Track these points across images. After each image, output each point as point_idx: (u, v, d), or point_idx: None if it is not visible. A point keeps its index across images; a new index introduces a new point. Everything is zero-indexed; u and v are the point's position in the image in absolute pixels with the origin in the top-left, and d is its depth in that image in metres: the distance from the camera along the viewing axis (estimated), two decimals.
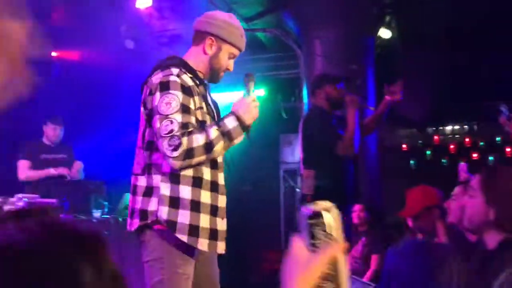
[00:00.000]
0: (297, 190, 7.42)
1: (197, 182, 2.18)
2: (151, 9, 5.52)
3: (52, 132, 5.12)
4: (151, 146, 2.21)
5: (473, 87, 7.18)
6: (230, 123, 2.17)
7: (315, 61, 5.27)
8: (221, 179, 2.31)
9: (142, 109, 2.27)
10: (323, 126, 3.74)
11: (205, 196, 2.20)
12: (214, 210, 2.22)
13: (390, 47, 6.10)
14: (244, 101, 2.25)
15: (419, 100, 7.18)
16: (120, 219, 4.41)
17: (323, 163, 3.66)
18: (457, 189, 2.64)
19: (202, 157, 2.12)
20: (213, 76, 2.38)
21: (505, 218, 1.78)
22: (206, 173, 2.21)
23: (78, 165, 5.16)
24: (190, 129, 2.12)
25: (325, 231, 1.06)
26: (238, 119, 2.18)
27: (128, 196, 4.71)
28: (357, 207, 4.88)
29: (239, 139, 2.21)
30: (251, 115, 2.22)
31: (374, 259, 4.91)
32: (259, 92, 7.23)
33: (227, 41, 2.31)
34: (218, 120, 2.23)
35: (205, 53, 2.32)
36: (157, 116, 2.12)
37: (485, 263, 1.84)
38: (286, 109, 6.29)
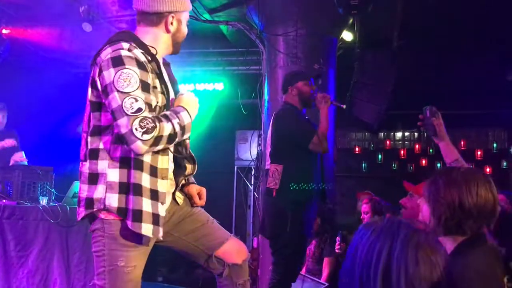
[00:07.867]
0: (250, 186, 7.39)
1: (153, 170, 2.11)
2: None
3: None
4: (98, 131, 2.11)
5: (426, 95, 7.36)
6: (186, 118, 2.13)
7: (277, 58, 5.22)
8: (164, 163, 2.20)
9: (89, 91, 2.14)
10: (298, 122, 3.76)
11: (161, 185, 2.13)
12: (155, 195, 2.12)
13: (348, 50, 6.14)
14: (193, 97, 2.25)
15: (373, 105, 7.30)
16: (68, 208, 4.25)
17: (294, 159, 3.66)
18: None
19: (162, 146, 2.06)
20: (177, 47, 2.36)
21: (447, 226, 1.78)
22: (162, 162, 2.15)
23: (19, 156, 4.90)
24: (157, 115, 2.06)
25: None
26: (190, 116, 2.16)
27: (77, 184, 4.56)
28: None
29: (187, 136, 2.20)
30: (196, 113, 2.24)
31: (326, 262, 4.93)
32: (218, 85, 7.15)
33: (183, 11, 2.33)
34: (174, 113, 2.12)
35: (168, 31, 2.28)
36: (116, 94, 1.97)
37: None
38: (245, 105, 6.23)
